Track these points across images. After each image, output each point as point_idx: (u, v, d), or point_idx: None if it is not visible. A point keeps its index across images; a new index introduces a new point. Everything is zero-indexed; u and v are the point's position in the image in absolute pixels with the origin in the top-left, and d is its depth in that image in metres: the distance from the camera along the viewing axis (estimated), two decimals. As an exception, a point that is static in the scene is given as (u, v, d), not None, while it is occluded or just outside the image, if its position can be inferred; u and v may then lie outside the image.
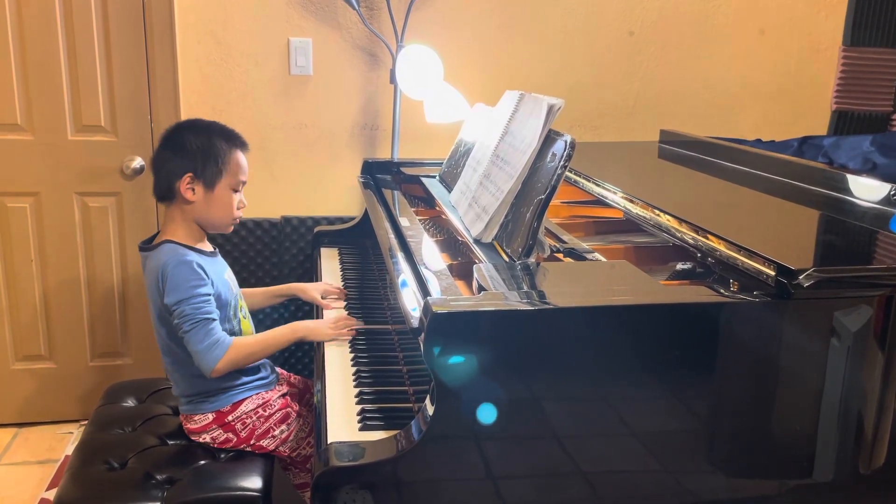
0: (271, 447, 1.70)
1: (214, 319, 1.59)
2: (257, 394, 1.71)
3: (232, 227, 1.72)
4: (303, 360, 2.75)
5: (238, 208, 1.69)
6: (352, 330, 1.71)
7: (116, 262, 2.61)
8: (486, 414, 1.13)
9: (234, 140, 1.67)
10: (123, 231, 2.59)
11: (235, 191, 1.67)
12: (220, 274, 1.70)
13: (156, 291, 1.61)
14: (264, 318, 2.63)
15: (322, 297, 1.93)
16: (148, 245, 1.68)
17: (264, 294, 1.99)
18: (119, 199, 2.56)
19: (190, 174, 1.61)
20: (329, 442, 1.23)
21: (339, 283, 2.06)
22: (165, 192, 1.65)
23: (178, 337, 1.61)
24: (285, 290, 1.99)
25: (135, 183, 2.55)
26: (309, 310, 2.08)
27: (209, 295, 1.60)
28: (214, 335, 1.57)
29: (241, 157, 1.68)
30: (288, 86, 2.59)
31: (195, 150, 1.62)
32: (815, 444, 1.24)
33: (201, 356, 1.57)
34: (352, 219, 2.51)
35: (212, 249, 1.73)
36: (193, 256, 1.62)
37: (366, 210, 2.26)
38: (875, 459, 1.26)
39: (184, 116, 2.48)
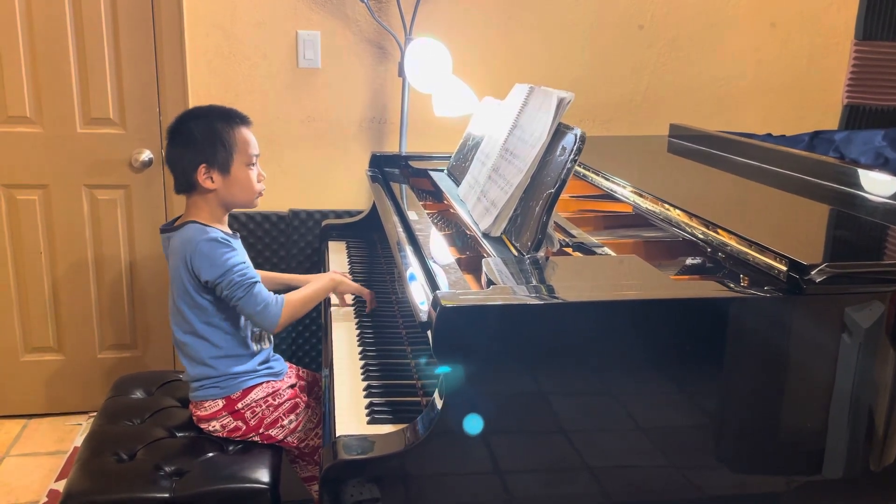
0: (280, 437, 1.71)
1: (258, 281, 1.64)
2: (267, 382, 1.72)
3: (258, 202, 1.74)
4: (310, 354, 2.76)
5: (258, 181, 1.71)
6: (373, 300, 1.82)
7: (125, 254, 2.62)
8: (493, 409, 1.13)
9: (233, 118, 1.68)
10: (132, 223, 2.60)
11: (251, 165, 1.69)
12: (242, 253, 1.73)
13: (183, 269, 1.63)
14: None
15: None
16: (170, 227, 1.71)
17: (270, 280, 2.01)
18: (128, 192, 2.56)
19: (203, 164, 1.63)
20: (338, 435, 1.23)
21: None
22: (186, 186, 1.68)
23: (209, 314, 1.64)
24: (290, 281, 2.01)
25: (143, 175, 2.55)
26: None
27: (244, 262, 1.64)
28: (266, 295, 1.64)
29: (245, 132, 1.69)
30: (296, 79, 2.59)
31: (200, 140, 1.64)
32: (825, 441, 1.23)
33: (261, 316, 1.63)
34: (360, 212, 2.51)
35: (231, 232, 1.75)
36: (218, 232, 1.65)
37: (374, 204, 2.26)
38: (886, 456, 1.26)
39: (192, 109, 2.48)
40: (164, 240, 1.72)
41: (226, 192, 1.67)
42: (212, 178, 1.64)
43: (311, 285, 1.76)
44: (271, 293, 1.66)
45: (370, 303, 1.82)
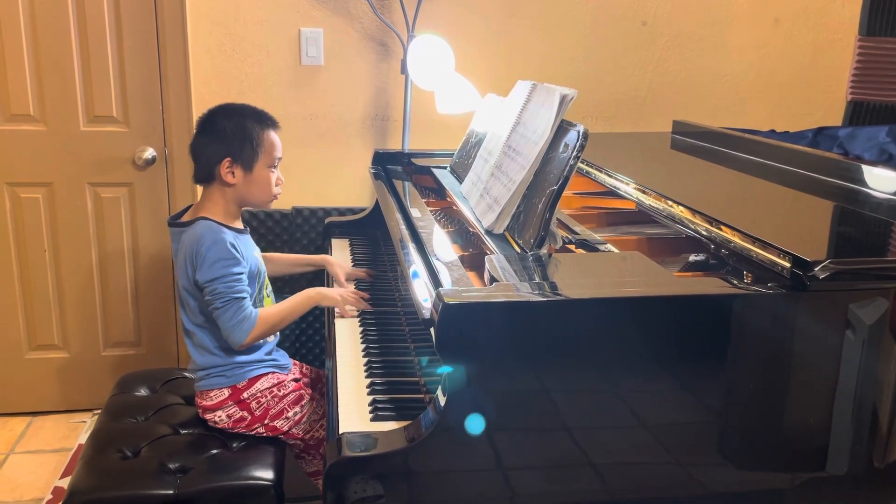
0: (285, 428, 1.72)
1: (245, 297, 1.65)
2: (272, 373, 1.74)
3: (272, 203, 1.77)
4: (313, 351, 2.76)
5: (276, 184, 1.74)
6: (359, 301, 1.80)
7: (129, 252, 2.62)
8: (496, 406, 1.13)
9: (265, 120, 1.73)
10: (135, 221, 2.60)
11: (273, 168, 1.72)
12: (251, 251, 1.75)
13: (189, 265, 1.65)
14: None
15: (346, 280, 1.97)
16: (178, 220, 1.72)
17: (288, 262, 2.03)
18: (131, 190, 2.57)
19: (229, 158, 1.66)
20: (341, 432, 1.23)
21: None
22: (206, 177, 1.70)
23: (209, 309, 1.66)
24: (316, 261, 2.04)
25: (147, 173, 2.56)
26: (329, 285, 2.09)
27: (241, 273, 1.65)
28: (244, 311, 1.64)
29: (273, 135, 1.72)
30: (299, 76, 2.59)
31: (230, 134, 1.67)
32: (828, 438, 1.23)
33: (231, 331, 1.64)
34: (362, 210, 2.51)
35: (243, 227, 1.77)
36: (228, 235, 1.66)
37: (377, 201, 2.26)
38: (890, 453, 1.25)
39: (195, 107, 2.49)
40: (173, 233, 1.73)
41: (244, 189, 1.69)
42: (233, 173, 1.67)
43: (287, 301, 1.75)
44: (251, 309, 1.65)
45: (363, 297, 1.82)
